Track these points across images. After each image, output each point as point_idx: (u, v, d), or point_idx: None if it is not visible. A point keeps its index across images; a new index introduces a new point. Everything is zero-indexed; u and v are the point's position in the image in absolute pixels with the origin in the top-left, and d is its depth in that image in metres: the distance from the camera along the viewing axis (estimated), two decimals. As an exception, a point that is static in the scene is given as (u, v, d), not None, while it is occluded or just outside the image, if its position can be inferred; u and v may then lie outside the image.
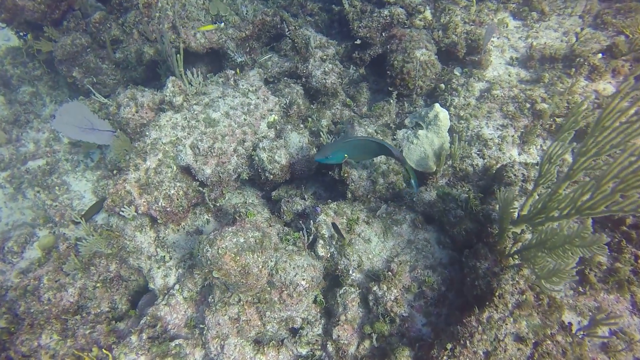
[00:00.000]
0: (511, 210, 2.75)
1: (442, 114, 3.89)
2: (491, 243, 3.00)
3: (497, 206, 3.10)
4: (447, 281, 3.09)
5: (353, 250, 3.32)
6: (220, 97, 4.08)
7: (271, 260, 3.03)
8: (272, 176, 3.97)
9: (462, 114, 4.27)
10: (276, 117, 4.18)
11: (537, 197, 2.70)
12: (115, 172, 3.90)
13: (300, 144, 4.13)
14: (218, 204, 4.14)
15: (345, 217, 3.52)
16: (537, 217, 2.58)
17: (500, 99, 4.23)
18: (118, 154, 3.97)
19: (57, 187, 5.26)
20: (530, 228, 2.81)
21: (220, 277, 2.77)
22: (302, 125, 4.28)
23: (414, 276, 3.11)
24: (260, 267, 2.84)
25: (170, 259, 3.91)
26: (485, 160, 3.89)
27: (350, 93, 4.92)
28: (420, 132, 3.99)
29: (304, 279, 3.02)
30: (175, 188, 3.61)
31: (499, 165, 3.72)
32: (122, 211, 3.52)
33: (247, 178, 4.23)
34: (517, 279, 2.61)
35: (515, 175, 3.30)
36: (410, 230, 3.50)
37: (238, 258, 2.73)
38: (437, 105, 3.95)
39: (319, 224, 3.42)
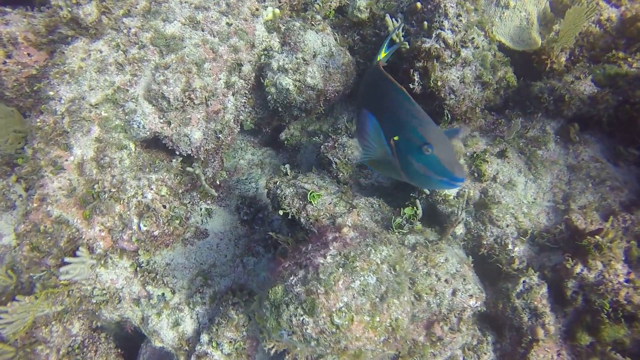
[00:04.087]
0: None
1: (557, -56, 2.33)
2: None
3: None
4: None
5: (500, 208, 1.95)
6: (168, -8, 2.15)
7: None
8: (304, 113, 2.33)
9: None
10: (277, 11, 2.36)
11: None
12: (16, 179, 2.03)
13: (327, 49, 2.43)
14: (218, 182, 2.48)
15: (461, 154, 2.08)
16: None
17: None
18: (2, 145, 2.06)
19: None
20: None
21: (345, 362, 1.32)
22: (318, 17, 2.51)
23: (623, 227, 1.86)
24: (409, 309, 1.40)
25: (174, 293, 2.32)
26: (623, 9, 2.49)
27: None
28: (519, -15, 2.43)
29: (470, 294, 1.64)
30: (154, 187, 1.87)
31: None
32: (66, 269, 1.77)
33: (253, 126, 2.55)
34: None
35: None
36: (561, 149, 2.17)
37: (378, 319, 1.26)
38: None
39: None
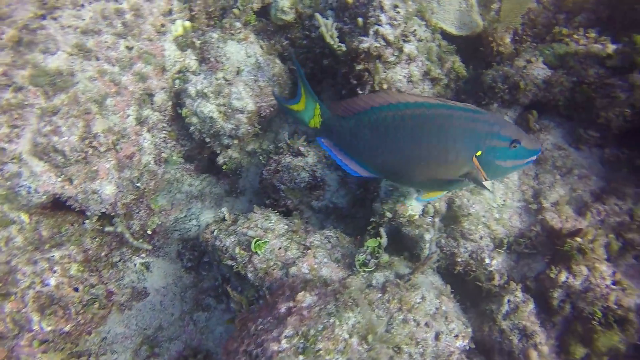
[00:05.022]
0: None
1: None
2: None
3: None
4: (642, 204, 1.76)
5: (470, 220, 1.75)
6: (43, 17, 1.74)
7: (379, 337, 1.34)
8: (236, 140, 2.02)
9: None
10: (187, 24, 2.01)
11: None
12: None
13: (254, 60, 2.11)
14: (150, 231, 2.12)
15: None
16: None
17: None
18: None
19: None
20: None
21: None
22: (237, 24, 2.17)
23: (598, 220, 1.72)
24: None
25: (117, 369, 1.96)
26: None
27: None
28: (453, -36, 2.22)
29: (455, 334, 1.43)
30: (58, 268, 1.50)
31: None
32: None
33: (182, 160, 2.21)
34: None
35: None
36: (522, 140, 2.00)
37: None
38: None
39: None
